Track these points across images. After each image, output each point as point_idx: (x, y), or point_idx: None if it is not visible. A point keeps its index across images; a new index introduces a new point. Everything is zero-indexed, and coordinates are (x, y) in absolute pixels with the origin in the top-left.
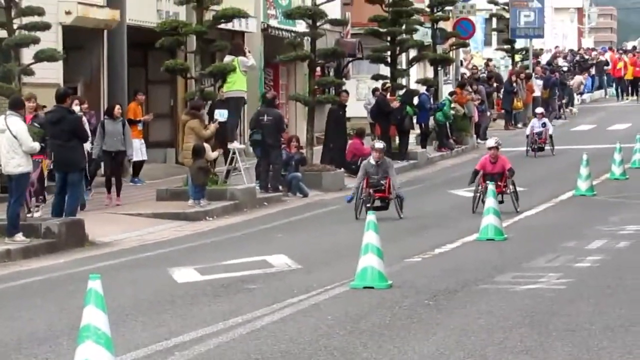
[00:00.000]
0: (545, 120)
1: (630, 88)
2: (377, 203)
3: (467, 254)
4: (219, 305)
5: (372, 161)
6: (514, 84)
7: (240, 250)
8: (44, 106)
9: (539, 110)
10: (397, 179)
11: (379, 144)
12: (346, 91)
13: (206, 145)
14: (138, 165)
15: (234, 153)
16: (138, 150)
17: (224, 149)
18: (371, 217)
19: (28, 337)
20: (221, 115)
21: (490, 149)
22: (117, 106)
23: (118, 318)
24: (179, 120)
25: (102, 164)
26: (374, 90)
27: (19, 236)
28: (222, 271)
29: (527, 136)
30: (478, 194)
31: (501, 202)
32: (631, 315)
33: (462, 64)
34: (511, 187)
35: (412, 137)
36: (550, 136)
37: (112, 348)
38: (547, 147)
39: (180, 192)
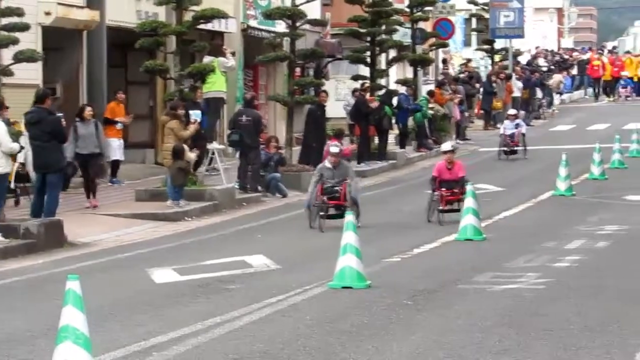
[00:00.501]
0: (519, 121)
1: (607, 88)
2: (332, 211)
3: (446, 254)
4: (198, 306)
5: (328, 164)
6: (494, 85)
7: (219, 250)
8: (7, 107)
9: (512, 111)
10: (359, 184)
11: (334, 148)
12: (325, 91)
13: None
14: (116, 166)
15: (212, 153)
16: (116, 149)
17: (201, 149)
18: (349, 217)
19: (6, 338)
20: (196, 116)
21: (445, 152)
22: (88, 108)
23: (97, 318)
24: (158, 120)
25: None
26: (354, 91)
27: None
28: (200, 271)
29: (500, 136)
30: (433, 202)
31: (457, 210)
32: (610, 314)
33: (445, 63)
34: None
35: (391, 137)
36: (524, 137)
37: (90, 348)
38: (521, 148)
39: (159, 192)
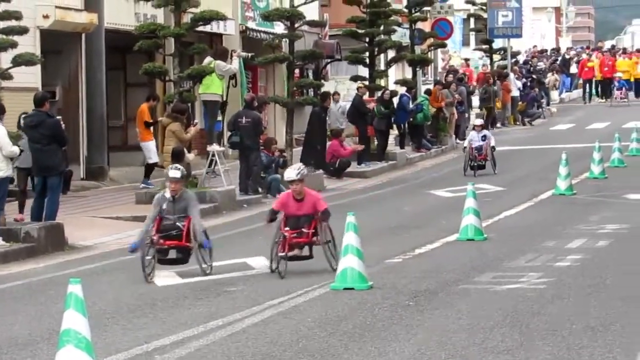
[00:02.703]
0: (486, 132)
1: (599, 90)
2: (173, 254)
3: (448, 255)
4: (199, 308)
5: (167, 194)
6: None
7: (220, 252)
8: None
9: (478, 122)
10: (201, 221)
11: (174, 172)
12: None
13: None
14: (151, 168)
15: (212, 155)
16: (152, 152)
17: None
18: (350, 218)
19: (8, 342)
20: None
21: (291, 182)
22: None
23: (98, 322)
24: (159, 122)
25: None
26: (333, 94)
27: None
28: (202, 274)
29: (464, 149)
30: (275, 245)
31: (308, 257)
32: (611, 313)
33: (453, 72)
34: (326, 235)
35: (391, 137)
36: (493, 150)
37: (92, 352)
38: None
39: None
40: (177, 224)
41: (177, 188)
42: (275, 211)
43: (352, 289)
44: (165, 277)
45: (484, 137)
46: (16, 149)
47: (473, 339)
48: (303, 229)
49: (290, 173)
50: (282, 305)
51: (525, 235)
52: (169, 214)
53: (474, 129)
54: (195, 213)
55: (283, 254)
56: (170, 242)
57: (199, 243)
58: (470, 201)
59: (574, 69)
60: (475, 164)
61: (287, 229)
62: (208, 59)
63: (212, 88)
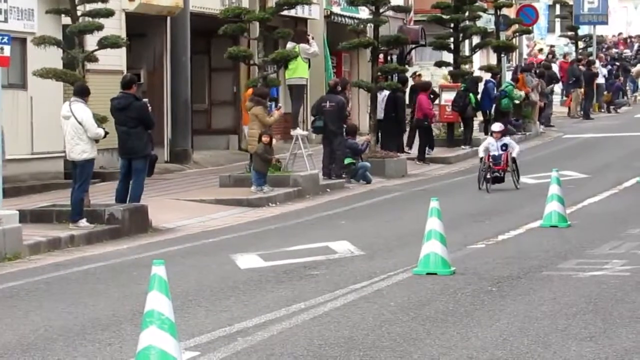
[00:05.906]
0: (507, 140)
1: None
2: None
3: (531, 241)
4: (282, 291)
5: None
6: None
7: (303, 236)
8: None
9: (496, 127)
10: None
11: None
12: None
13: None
14: None
15: (296, 140)
16: None
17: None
18: (434, 203)
19: (91, 323)
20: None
21: None
22: None
23: (182, 304)
24: (242, 107)
25: None
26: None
27: (83, 222)
28: (285, 257)
29: (481, 159)
30: None
31: None
32: None
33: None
34: None
35: (476, 123)
36: (514, 161)
37: (175, 333)
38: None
39: (243, 178)
40: None
41: None
42: None
43: (435, 274)
44: (248, 260)
45: (504, 146)
46: (101, 131)
47: (555, 325)
48: None
49: None
50: (365, 290)
51: (609, 223)
52: None
53: (491, 134)
54: None
55: None
56: None
57: None
58: (554, 188)
59: None
60: (491, 177)
61: None
62: (291, 44)
63: (298, 72)
